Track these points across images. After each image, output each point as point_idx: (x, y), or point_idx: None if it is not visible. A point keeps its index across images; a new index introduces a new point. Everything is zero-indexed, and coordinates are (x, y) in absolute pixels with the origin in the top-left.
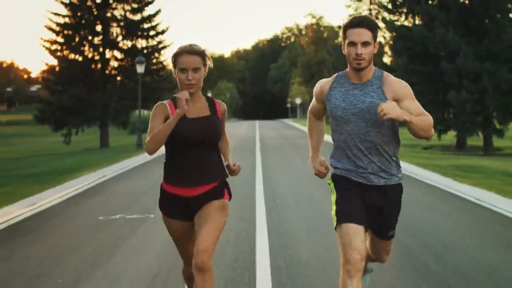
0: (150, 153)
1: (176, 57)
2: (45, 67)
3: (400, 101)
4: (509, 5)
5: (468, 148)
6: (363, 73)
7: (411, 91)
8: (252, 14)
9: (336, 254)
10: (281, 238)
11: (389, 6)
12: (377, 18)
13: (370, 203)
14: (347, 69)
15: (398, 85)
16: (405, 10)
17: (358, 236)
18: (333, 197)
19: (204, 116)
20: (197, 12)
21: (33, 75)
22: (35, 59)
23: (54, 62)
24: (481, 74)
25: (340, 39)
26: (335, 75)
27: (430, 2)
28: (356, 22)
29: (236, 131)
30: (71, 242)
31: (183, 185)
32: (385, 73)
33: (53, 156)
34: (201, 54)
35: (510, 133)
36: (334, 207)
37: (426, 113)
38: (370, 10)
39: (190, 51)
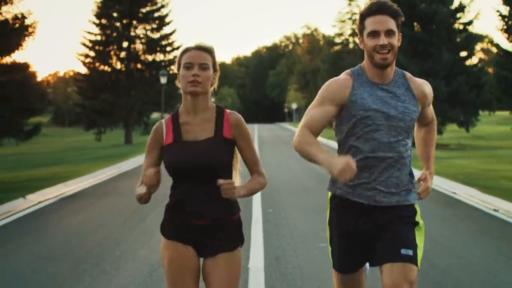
0: None
1: (181, 56)
2: (49, 74)
3: (425, 106)
4: (452, 34)
5: None
6: (387, 71)
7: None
8: (253, 22)
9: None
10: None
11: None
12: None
13: (373, 226)
14: (362, 64)
15: (426, 89)
16: None
17: (356, 281)
18: (328, 232)
19: (204, 139)
20: (199, 19)
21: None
22: (38, 64)
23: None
24: None
25: (333, 48)
26: (348, 71)
27: None
28: (377, 8)
29: None
30: None
31: (182, 223)
32: (406, 73)
33: (93, 149)
34: (210, 51)
35: (461, 133)
36: (330, 248)
37: (433, 115)
38: (353, 29)
39: (198, 46)
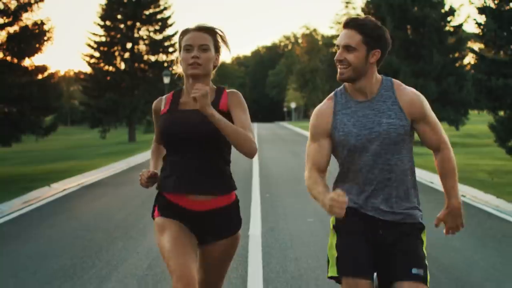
0: None
1: (181, 37)
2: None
3: (417, 121)
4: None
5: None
6: (362, 85)
7: (427, 104)
8: (253, 22)
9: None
10: (265, 168)
11: None
12: None
13: (381, 241)
14: (344, 83)
15: (415, 100)
16: None
17: None
18: (333, 239)
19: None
20: (199, 19)
21: None
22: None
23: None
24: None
25: (331, 49)
26: (331, 95)
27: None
28: (345, 22)
29: None
30: None
31: (174, 192)
32: (396, 82)
33: (99, 147)
34: (212, 32)
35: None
36: (334, 253)
37: (445, 137)
38: None
39: (197, 27)
